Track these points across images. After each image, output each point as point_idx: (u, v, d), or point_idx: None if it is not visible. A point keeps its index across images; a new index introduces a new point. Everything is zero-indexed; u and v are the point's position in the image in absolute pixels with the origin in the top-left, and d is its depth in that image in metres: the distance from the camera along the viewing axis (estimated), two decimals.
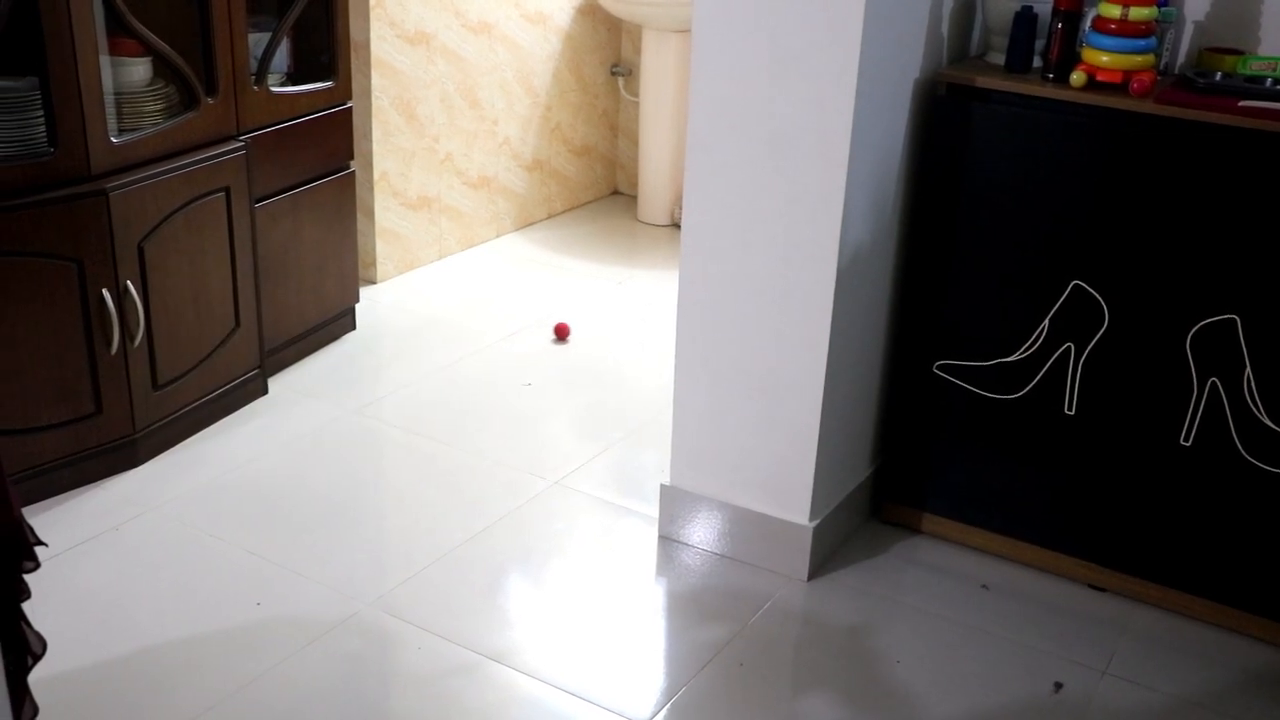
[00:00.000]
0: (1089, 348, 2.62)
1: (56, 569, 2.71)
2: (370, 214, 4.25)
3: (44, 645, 1.72)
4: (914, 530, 2.98)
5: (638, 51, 5.12)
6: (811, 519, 2.78)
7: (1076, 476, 2.74)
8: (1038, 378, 2.70)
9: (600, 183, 5.36)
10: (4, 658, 1.55)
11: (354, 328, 3.95)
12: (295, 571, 2.79)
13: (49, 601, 1.92)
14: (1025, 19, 2.63)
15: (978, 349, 2.76)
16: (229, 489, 3.11)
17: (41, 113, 2.85)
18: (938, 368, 2.81)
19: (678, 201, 4.98)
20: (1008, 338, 2.71)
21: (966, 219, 2.71)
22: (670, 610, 2.75)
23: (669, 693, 2.47)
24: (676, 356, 2.83)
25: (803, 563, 2.79)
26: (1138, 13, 2.51)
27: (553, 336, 3.29)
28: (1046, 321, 2.65)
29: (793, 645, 2.65)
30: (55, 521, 2.88)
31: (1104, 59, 2.54)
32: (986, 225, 2.68)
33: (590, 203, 5.31)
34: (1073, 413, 2.68)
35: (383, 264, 4.35)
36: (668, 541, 2.95)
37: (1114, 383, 2.63)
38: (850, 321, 2.70)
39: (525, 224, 4.98)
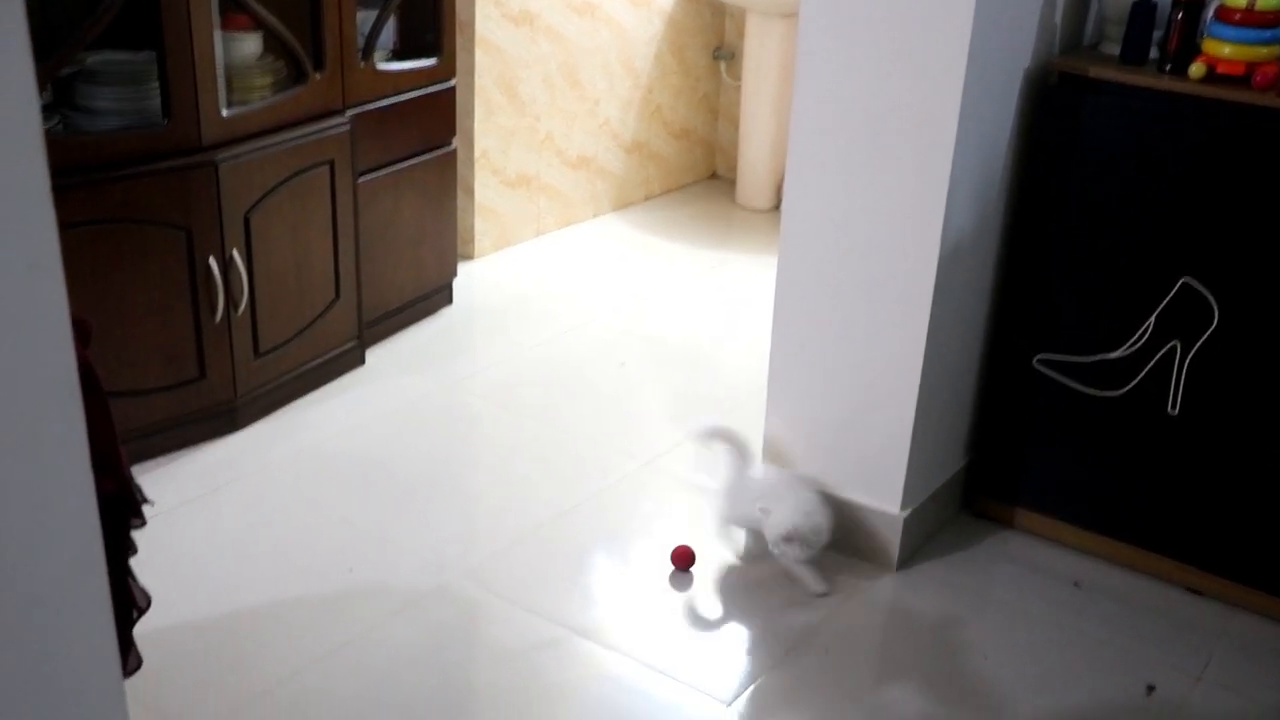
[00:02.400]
0: (1196, 346, 2.56)
1: (159, 528, 2.77)
2: (470, 191, 4.29)
3: (148, 600, 1.77)
4: (1006, 525, 2.95)
5: (741, 35, 5.10)
6: (903, 509, 2.76)
7: (1177, 478, 2.68)
8: (1140, 376, 2.64)
9: (699, 166, 5.35)
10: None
11: (451, 303, 3.99)
12: (387, 540, 2.84)
13: (152, 559, 1.97)
14: (1143, 9, 2.57)
15: (1079, 344, 2.71)
16: (325, 457, 3.16)
17: (157, 85, 2.92)
18: (1037, 362, 2.77)
19: (777, 186, 4.95)
20: (1111, 334, 2.66)
21: (1073, 212, 2.66)
22: (757, 593, 2.75)
23: (752, 676, 2.47)
24: (772, 341, 2.82)
25: (892, 552, 2.77)
26: (1266, 1, 2.44)
27: (671, 566, 2.79)
28: (1152, 319, 2.60)
29: (879, 635, 2.63)
30: (158, 482, 2.95)
31: (1226, 50, 2.47)
32: (1094, 219, 2.63)
33: (688, 185, 5.30)
34: (1176, 412, 2.62)
35: (480, 241, 4.38)
36: None
37: (1220, 383, 2.57)
38: (950, 312, 2.67)
39: (623, 205, 4.99)
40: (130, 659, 1.76)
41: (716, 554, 2.83)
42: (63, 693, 1.14)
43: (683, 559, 2.77)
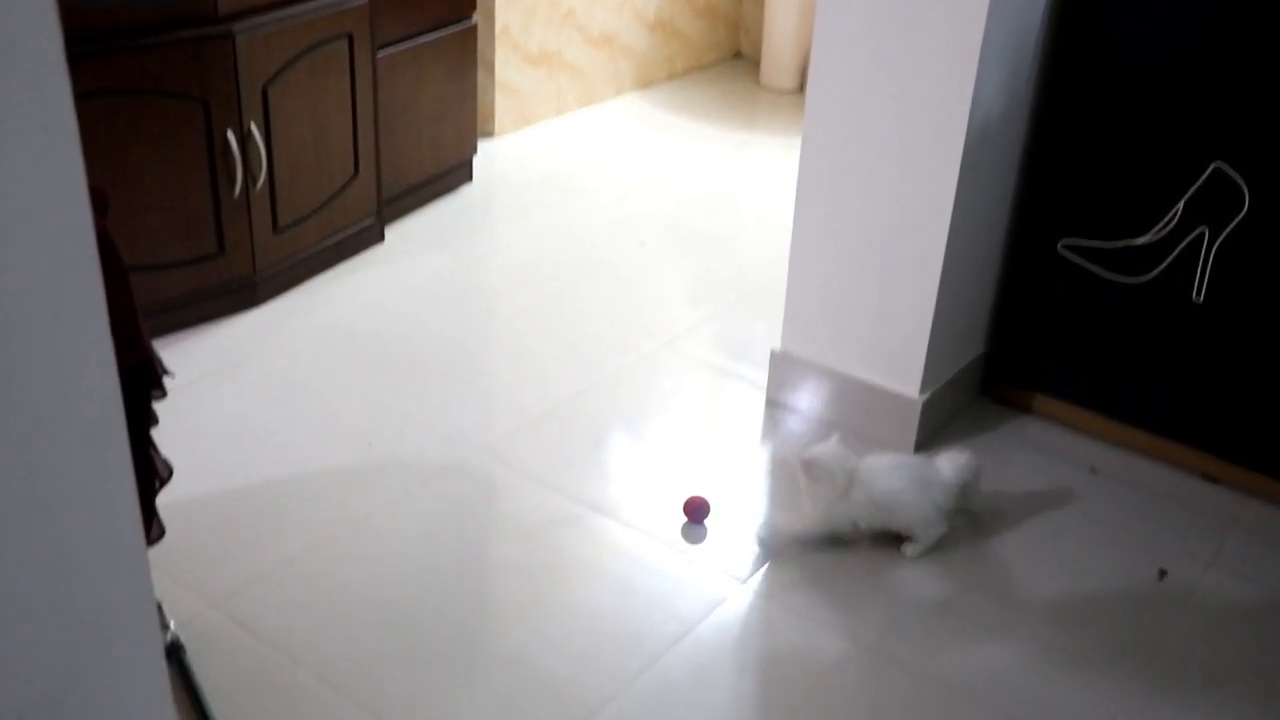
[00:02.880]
0: (1224, 233, 2.53)
1: (179, 401, 2.79)
2: (490, 68, 4.22)
3: (170, 471, 1.79)
4: (1025, 411, 2.94)
5: None
6: (922, 392, 2.76)
7: (1197, 365, 2.67)
8: (1166, 262, 2.61)
9: (723, 44, 5.26)
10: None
11: (470, 180, 3.96)
12: (406, 415, 2.85)
13: (173, 432, 1.99)
14: None
15: (1105, 229, 2.68)
16: (345, 333, 3.17)
17: None
18: (1062, 247, 2.74)
19: (801, 67, 4.86)
20: (1138, 219, 2.63)
21: (1103, 94, 2.60)
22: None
23: (767, 555, 2.49)
24: (795, 222, 2.80)
25: (910, 436, 2.78)
26: None
27: (684, 517, 2.56)
28: (1181, 204, 2.56)
29: None
30: (179, 356, 2.96)
31: None
32: (1125, 101, 2.58)
33: (712, 65, 5.22)
34: (1200, 300, 2.60)
35: (500, 118, 4.33)
36: (775, 407, 2.95)
37: (1247, 271, 2.54)
38: (975, 194, 2.64)
39: (645, 84, 4.92)
40: (153, 528, 1.78)
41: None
42: (87, 560, 1.15)
43: (696, 511, 2.57)
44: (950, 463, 2.55)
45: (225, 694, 2.08)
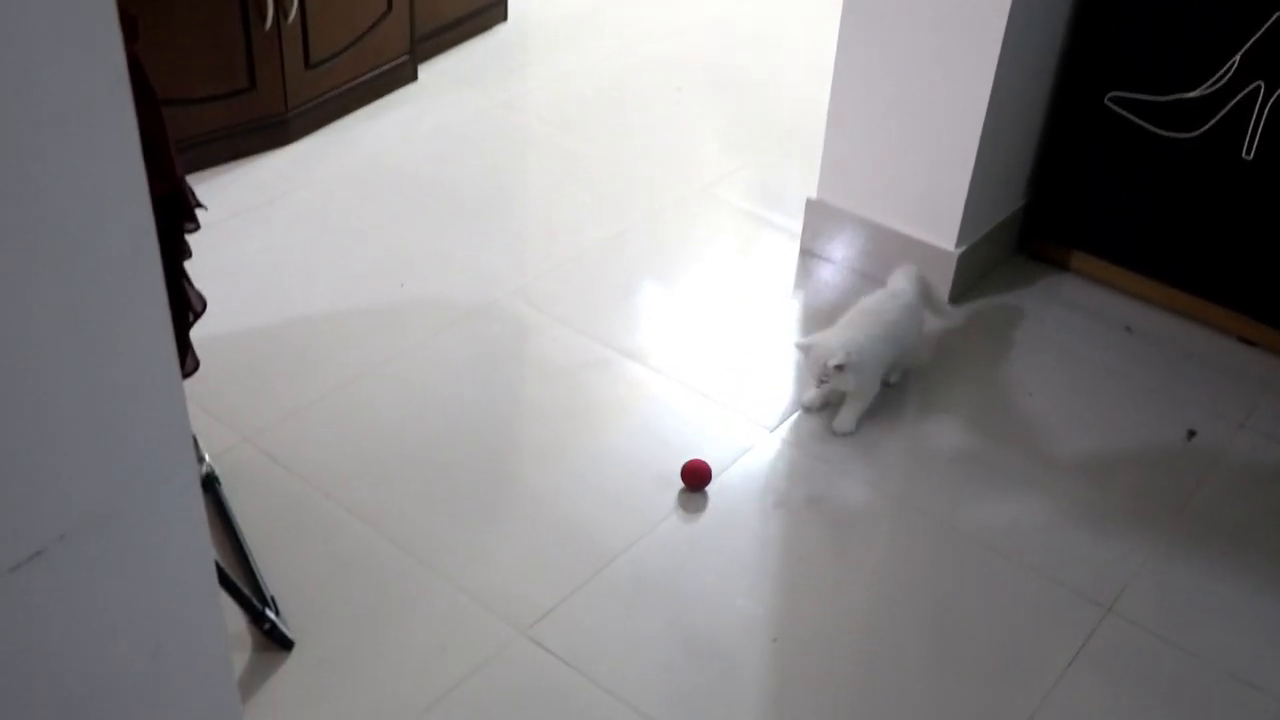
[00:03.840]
0: None
1: (212, 237, 2.78)
2: None
3: (204, 303, 1.79)
4: (1062, 267, 2.91)
5: None
6: (958, 245, 2.72)
7: (1242, 225, 2.62)
8: (1218, 117, 2.54)
9: None
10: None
11: (505, 19, 3.87)
12: (438, 256, 2.85)
13: (206, 267, 1.99)
14: None
15: (1155, 82, 2.60)
16: (378, 172, 3.14)
17: None
18: (1109, 99, 2.67)
19: None
20: (1191, 72, 2.55)
21: None
22: (806, 323, 2.75)
23: (796, 404, 2.50)
24: (836, 68, 2.73)
25: (944, 289, 2.75)
26: None
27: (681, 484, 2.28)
28: (1238, 56, 2.48)
29: (925, 367, 2.64)
30: (211, 193, 2.95)
31: None
32: None
33: None
34: (1250, 157, 2.54)
35: None
36: (809, 256, 2.92)
37: None
38: (1022, 44, 2.56)
39: None
40: (188, 361, 1.79)
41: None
42: (124, 388, 1.16)
43: (696, 476, 2.27)
44: (905, 281, 2.58)
45: (258, 525, 2.13)
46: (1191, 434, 2.48)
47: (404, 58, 3.47)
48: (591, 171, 3.22)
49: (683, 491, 2.26)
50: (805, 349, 2.41)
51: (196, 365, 1.83)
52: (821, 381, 2.39)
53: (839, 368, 2.33)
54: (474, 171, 3.19)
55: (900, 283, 2.58)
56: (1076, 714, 1.91)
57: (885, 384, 2.49)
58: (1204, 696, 1.95)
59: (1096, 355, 2.67)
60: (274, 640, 1.93)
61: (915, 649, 2.01)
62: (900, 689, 1.94)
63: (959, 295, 2.79)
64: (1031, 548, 2.19)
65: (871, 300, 2.53)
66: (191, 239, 1.76)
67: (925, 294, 2.62)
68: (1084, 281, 2.87)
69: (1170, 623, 2.07)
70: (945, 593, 2.11)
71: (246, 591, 1.94)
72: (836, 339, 2.38)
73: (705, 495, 2.26)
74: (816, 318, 2.75)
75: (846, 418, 2.42)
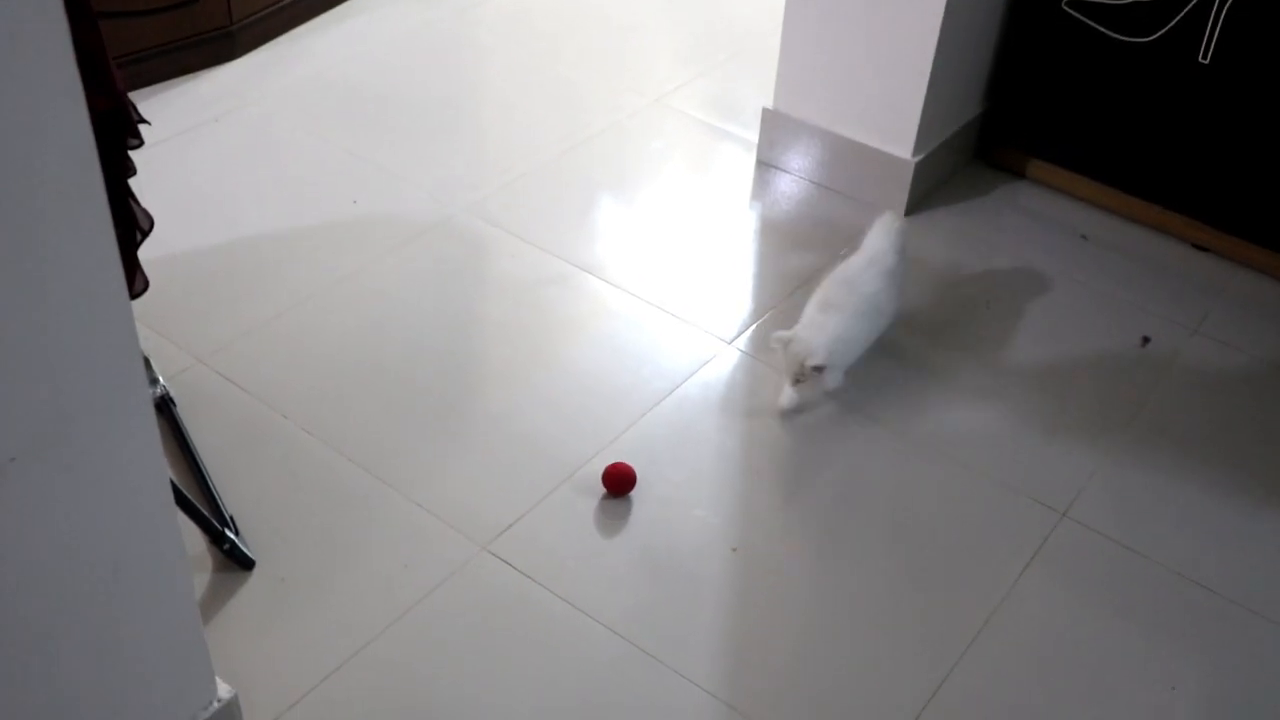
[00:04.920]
0: None
1: (159, 155, 2.74)
2: None
3: (151, 222, 1.75)
4: (1019, 175, 2.91)
5: None
6: (915, 154, 2.71)
7: (1197, 131, 2.62)
8: (1174, 21, 2.53)
9: None
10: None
11: None
12: (391, 172, 2.81)
13: (153, 187, 1.95)
14: None
15: None
16: (327, 86, 3.08)
17: None
18: (1066, 4, 2.65)
19: None
20: None
21: None
22: (762, 235, 2.74)
23: (756, 315, 2.50)
24: None
25: (901, 198, 2.75)
26: None
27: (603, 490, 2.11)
28: None
29: None
30: (156, 110, 2.89)
31: None
32: None
33: None
34: (1206, 62, 2.53)
35: None
36: (765, 167, 2.91)
37: (1258, 33, 2.46)
38: None
39: None
40: (137, 280, 1.76)
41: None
42: (69, 308, 1.14)
43: (617, 482, 2.10)
44: (884, 237, 2.39)
45: (215, 446, 2.11)
46: (1146, 340, 2.50)
47: None
48: (546, 83, 3.18)
49: (635, 425, 2.26)
50: (783, 344, 2.23)
51: (146, 285, 1.79)
52: (797, 380, 2.23)
53: (818, 369, 2.20)
54: (426, 85, 3.13)
55: (879, 240, 2.39)
56: (1031, 617, 1.94)
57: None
58: (1155, 597, 1.99)
59: (1052, 263, 2.68)
60: (234, 560, 1.92)
61: (873, 557, 2.04)
62: (858, 596, 1.97)
63: (916, 204, 2.78)
64: (988, 455, 2.21)
65: (848, 270, 2.34)
66: (137, 157, 1.72)
67: (906, 248, 2.41)
68: (1041, 189, 2.88)
69: (1123, 526, 2.10)
70: (903, 500, 2.13)
71: (205, 512, 1.93)
72: (818, 337, 2.21)
73: (665, 406, 2.26)
74: (774, 229, 2.75)
75: (833, 380, 2.28)
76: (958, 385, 2.36)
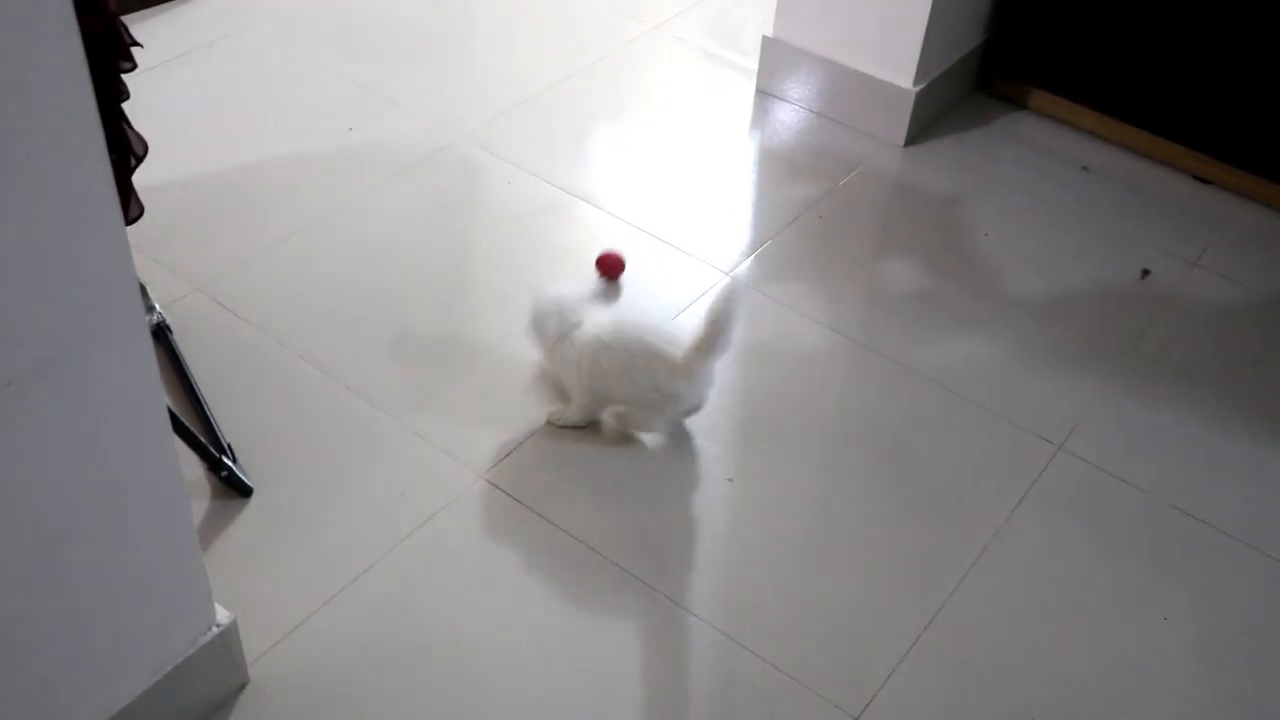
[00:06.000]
0: None
1: (152, 81, 2.71)
2: None
3: (145, 147, 1.73)
4: (1020, 105, 2.88)
5: None
6: (915, 83, 2.69)
7: (1201, 62, 2.59)
8: None
9: None
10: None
11: None
12: (388, 100, 2.78)
13: (147, 113, 1.93)
14: None
15: None
16: (323, 14, 3.04)
17: None
18: None
19: None
20: None
21: None
22: (761, 165, 2.72)
23: (754, 245, 2.48)
24: None
25: (901, 128, 2.72)
26: None
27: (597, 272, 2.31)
28: None
29: (882, 208, 2.63)
30: (148, 34, 2.85)
31: None
32: None
33: None
34: None
35: None
36: (765, 96, 2.88)
37: None
38: None
39: None
40: (132, 206, 1.75)
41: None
42: (63, 232, 1.13)
43: (610, 267, 2.33)
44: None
45: (212, 373, 2.11)
46: (1145, 273, 2.49)
47: None
48: (542, 10, 3.14)
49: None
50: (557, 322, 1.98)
51: (141, 211, 1.78)
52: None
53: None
54: (423, 12, 3.09)
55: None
56: (1026, 548, 1.95)
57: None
58: (1150, 529, 2.00)
59: (1053, 194, 2.66)
60: (232, 487, 1.92)
61: (869, 487, 2.04)
62: (854, 527, 1.97)
63: (917, 134, 2.76)
64: (986, 386, 2.21)
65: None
66: (131, 83, 1.70)
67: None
68: (1043, 120, 2.85)
69: (1121, 459, 2.10)
70: (900, 432, 2.13)
71: (203, 439, 1.93)
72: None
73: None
74: (773, 159, 2.72)
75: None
76: (956, 315, 2.36)
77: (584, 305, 2.01)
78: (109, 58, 1.56)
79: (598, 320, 1.99)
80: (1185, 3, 2.54)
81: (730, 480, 2.03)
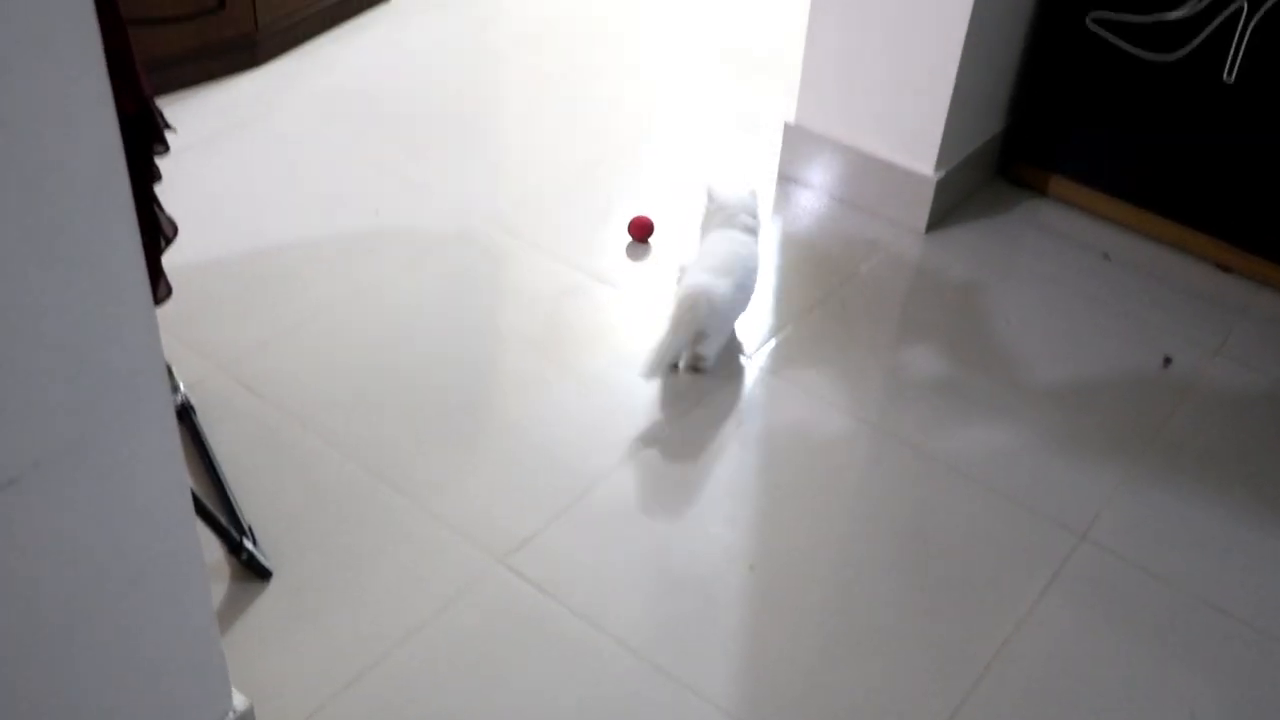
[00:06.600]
0: (1263, 10, 2.43)
1: (183, 162, 2.75)
2: None
3: (175, 229, 1.76)
4: (1040, 192, 2.90)
5: None
6: (936, 170, 2.71)
7: (1221, 150, 2.61)
8: (1199, 39, 2.52)
9: None
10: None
11: None
12: (413, 182, 2.81)
13: (177, 193, 1.95)
14: None
15: (1138, 2, 2.57)
16: (350, 96, 3.09)
17: None
18: (1091, 20, 2.64)
19: None
20: None
21: None
22: (783, 250, 2.73)
23: (775, 330, 2.49)
24: None
25: (922, 214, 2.74)
26: None
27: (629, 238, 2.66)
28: None
29: (903, 294, 2.64)
30: (181, 116, 2.89)
31: None
32: None
33: None
34: (1231, 81, 2.52)
35: None
36: (786, 181, 2.90)
37: None
38: None
39: None
40: (160, 287, 1.76)
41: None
42: (94, 314, 1.14)
43: (641, 230, 2.67)
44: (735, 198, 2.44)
45: (235, 454, 2.11)
46: (1168, 361, 2.49)
47: None
48: (567, 95, 3.18)
49: (654, 439, 2.25)
50: (690, 302, 2.25)
51: (169, 292, 1.80)
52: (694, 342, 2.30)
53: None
54: (449, 95, 3.14)
55: (738, 206, 2.44)
56: (1050, 640, 1.93)
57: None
58: (1176, 622, 1.97)
59: (1074, 282, 2.67)
60: (252, 570, 1.92)
61: (891, 576, 2.02)
62: (876, 616, 1.95)
63: (938, 221, 2.77)
64: (1007, 475, 2.20)
65: (733, 242, 2.39)
66: (161, 163, 1.72)
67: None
68: (1063, 207, 2.87)
69: (1143, 549, 2.08)
70: (921, 519, 2.12)
71: (224, 521, 1.93)
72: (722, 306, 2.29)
73: (685, 421, 2.25)
74: (795, 244, 2.74)
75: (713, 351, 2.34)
76: (978, 401, 2.35)
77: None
78: (144, 141, 1.59)
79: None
80: (1204, 91, 2.56)
81: (751, 567, 2.01)
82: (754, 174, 2.93)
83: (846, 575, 2.02)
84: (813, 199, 2.86)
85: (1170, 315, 2.60)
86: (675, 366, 2.35)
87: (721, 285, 2.29)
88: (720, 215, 2.43)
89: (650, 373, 2.27)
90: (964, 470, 2.20)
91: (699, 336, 2.29)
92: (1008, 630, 1.93)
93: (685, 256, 2.47)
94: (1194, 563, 2.06)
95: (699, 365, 2.34)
